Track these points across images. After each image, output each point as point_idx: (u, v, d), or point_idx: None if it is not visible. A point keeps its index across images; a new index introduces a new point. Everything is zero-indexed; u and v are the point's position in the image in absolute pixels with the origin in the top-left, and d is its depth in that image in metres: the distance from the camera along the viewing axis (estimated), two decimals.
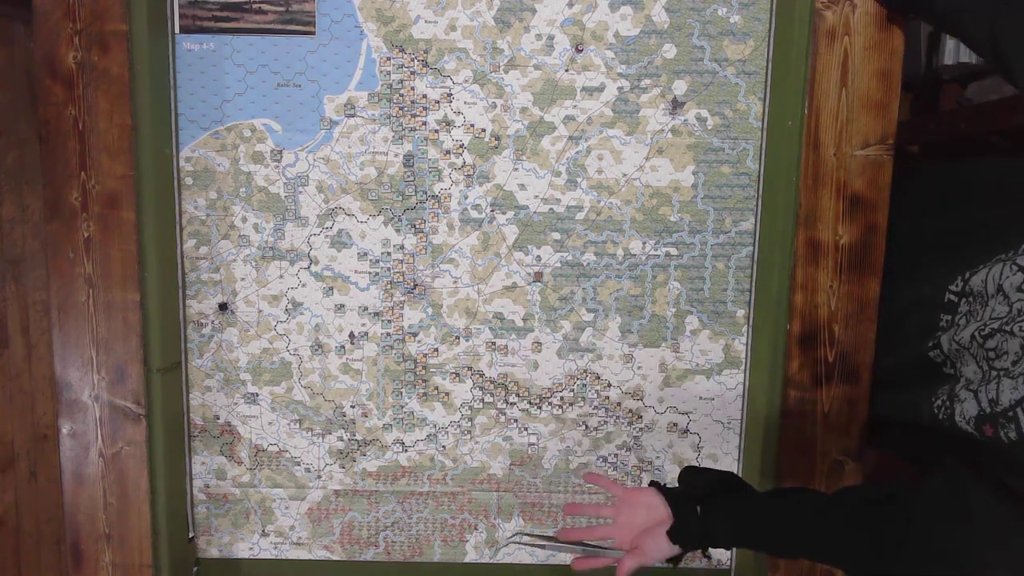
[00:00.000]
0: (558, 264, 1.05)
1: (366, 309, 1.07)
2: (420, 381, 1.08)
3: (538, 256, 1.05)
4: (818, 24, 0.93)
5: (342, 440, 1.10)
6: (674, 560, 0.83)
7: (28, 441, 1.56)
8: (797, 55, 0.95)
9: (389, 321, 1.07)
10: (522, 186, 1.03)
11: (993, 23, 0.75)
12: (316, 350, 1.08)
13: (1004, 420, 0.68)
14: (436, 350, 1.07)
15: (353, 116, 1.02)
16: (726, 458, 1.08)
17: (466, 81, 1.01)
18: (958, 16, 0.80)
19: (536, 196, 1.03)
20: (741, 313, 1.05)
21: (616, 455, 1.09)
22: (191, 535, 1.12)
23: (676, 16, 0.99)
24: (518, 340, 1.07)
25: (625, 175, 1.02)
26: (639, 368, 1.07)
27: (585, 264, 1.05)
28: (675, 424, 1.08)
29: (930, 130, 1.47)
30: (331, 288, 1.06)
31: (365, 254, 1.05)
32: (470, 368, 1.08)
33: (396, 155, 1.03)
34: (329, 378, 1.08)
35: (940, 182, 1.00)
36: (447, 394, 1.08)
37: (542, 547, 0.90)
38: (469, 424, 1.09)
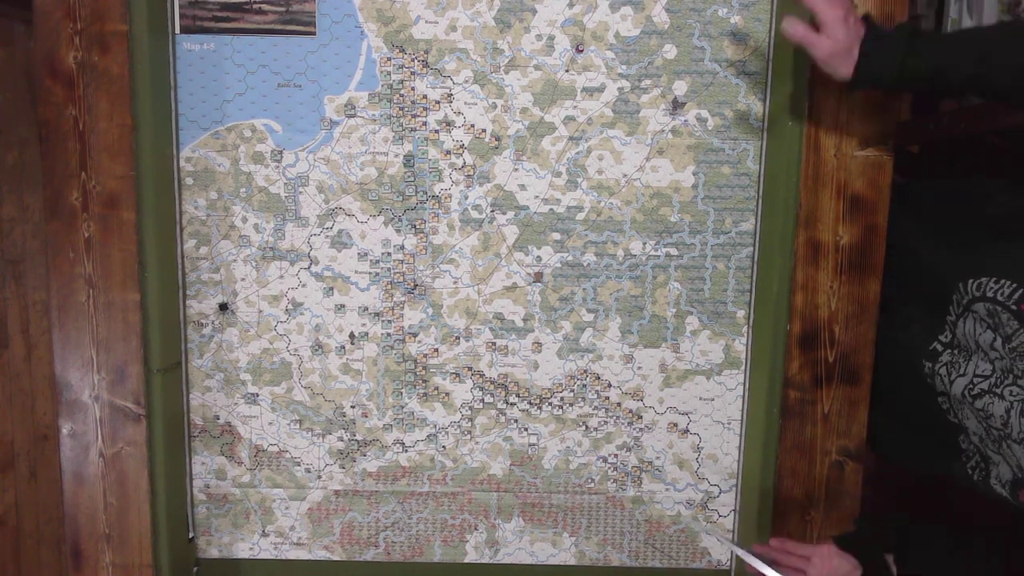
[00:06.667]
0: (558, 264, 1.05)
1: (366, 309, 1.07)
2: (420, 381, 1.08)
3: (538, 256, 1.05)
4: None
5: (342, 440, 1.10)
6: None
7: (28, 441, 1.56)
8: (797, 56, 0.95)
9: (389, 321, 1.07)
10: (522, 186, 1.03)
11: (986, 55, 0.75)
12: (316, 350, 1.08)
13: None
14: (436, 350, 1.07)
15: (353, 116, 1.02)
16: (726, 458, 1.08)
17: (466, 81, 1.01)
18: (942, 69, 0.79)
19: (536, 196, 1.03)
20: (741, 313, 1.05)
21: (616, 455, 1.09)
22: (191, 535, 1.12)
23: (676, 16, 0.99)
24: (518, 340, 1.07)
25: (625, 175, 1.02)
26: (639, 368, 1.07)
27: (585, 264, 1.05)
28: (675, 424, 1.08)
29: (930, 130, 1.47)
30: (331, 288, 1.06)
31: (365, 254, 1.05)
32: (470, 368, 1.08)
33: (396, 155, 1.03)
34: (329, 378, 1.08)
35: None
36: (447, 394, 1.08)
37: (726, 545, 0.92)
38: (469, 424, 1.09)
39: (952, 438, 0.84)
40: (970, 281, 0.81)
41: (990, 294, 0.78)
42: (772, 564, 0.90)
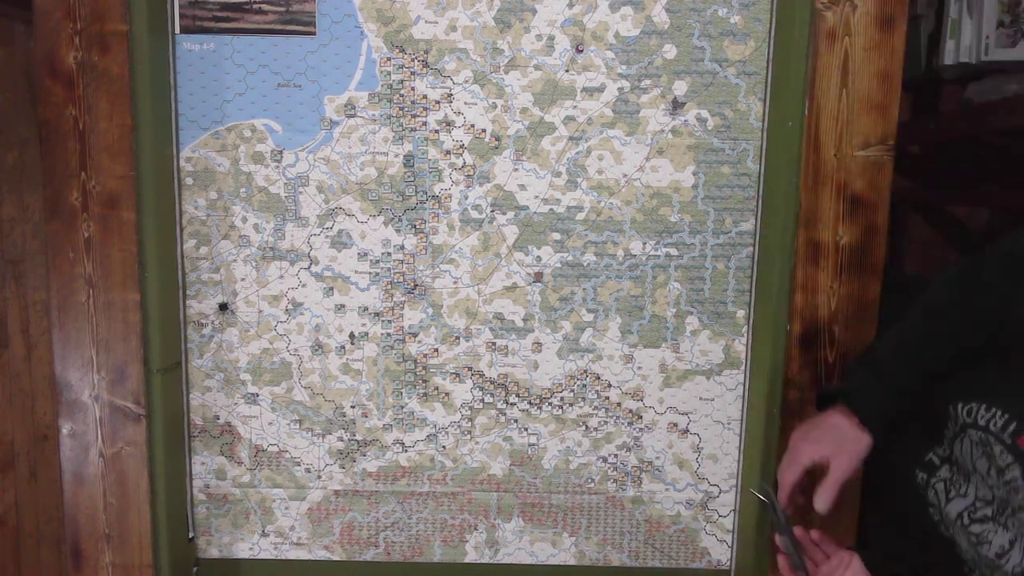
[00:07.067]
0: (558, 264, 1.05)
1: (366, 309, 1.07)
2: (420, 381, 1.08)
3: (538, 256, 1.05)
4: (818, 25, 0.93)
5: (342, 440, 1.10)
6: None
7: (28, 441, 1.56)
8: (797, 56, 0.95)
9: (389, 321, 1.07)
10: (522, 186, 1.03)
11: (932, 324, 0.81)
12: (316, 350, 1.08)
13: None
14: (436, 350, 1.07)
15: (353, 116, 1.02)
16: (726, 458, 1.08)
17: (466, 81, 1.01)
18: (914, 347, 0.83)
19: (536, 196, 1.03)
20: (741, 313, 1.05)
21: (616, 455, 1.09)
22: (191, 535, 1.12)
23: (676, 16, 0.99)
24: (518, 340, 1.07)
25: (625, 175, 1.02)
26: (639, 368, 1.07)
27: (585, 264, 1.05)
28: (675, 424, 1.08)
29: (930, 130, 1.47)
30: (331, 288, 1.06)
31: (365, 254, 1.05)
32: (470, 368, 1.08)
33: (396, 155, 1.03)
34: (329, 378, 1.08)
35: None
36: (447, 394, 1.08)
37: (771, 513, 0.90)
38: (469, 424, 1.09)
39: (946, 549, 0.82)
40: (960, 405, 0.78)
41: (982, 423, 0.75)
42: (798, 545, 0.88)
